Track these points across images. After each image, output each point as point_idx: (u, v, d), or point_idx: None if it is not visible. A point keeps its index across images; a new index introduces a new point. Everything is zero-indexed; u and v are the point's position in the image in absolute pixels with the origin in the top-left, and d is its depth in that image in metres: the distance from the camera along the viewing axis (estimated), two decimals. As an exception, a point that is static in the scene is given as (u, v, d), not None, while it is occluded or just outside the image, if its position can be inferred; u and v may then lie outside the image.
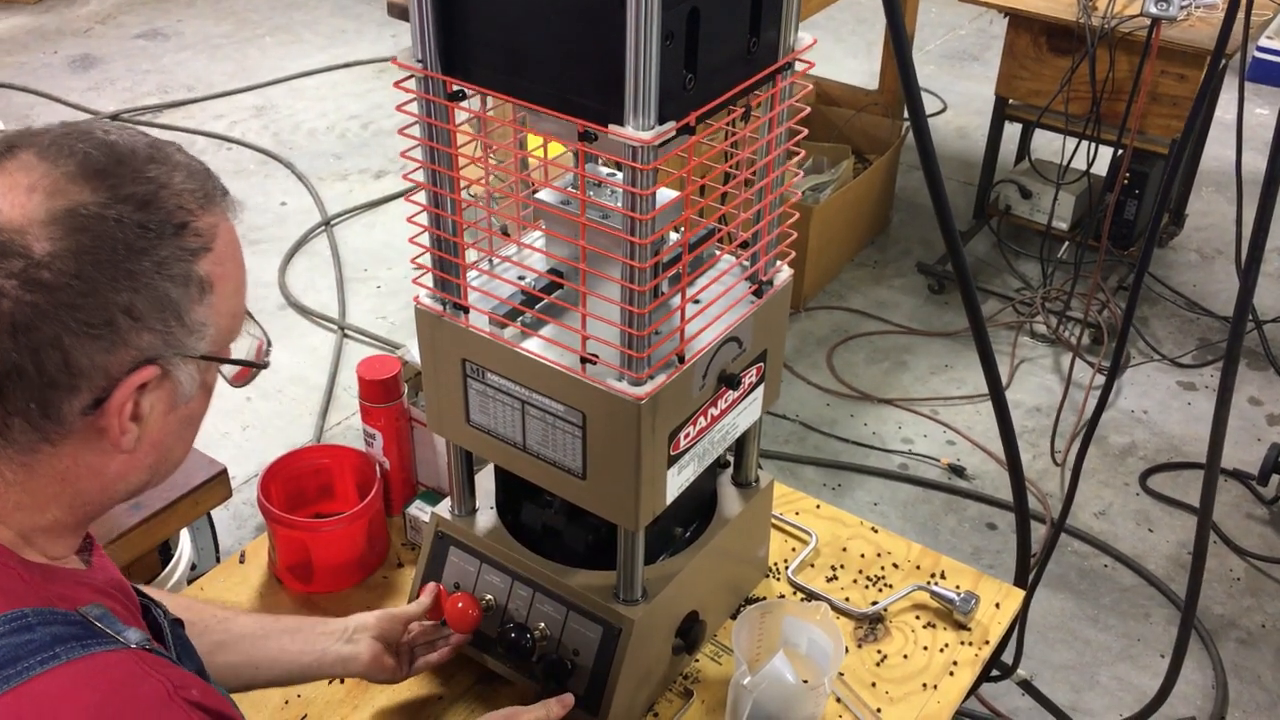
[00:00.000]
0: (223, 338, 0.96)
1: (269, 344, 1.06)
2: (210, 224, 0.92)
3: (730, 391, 1.30)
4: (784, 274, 1.34)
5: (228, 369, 1.00)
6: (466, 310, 1.27)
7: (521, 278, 1.30)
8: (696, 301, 1.24)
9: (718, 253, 1.35)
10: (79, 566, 0.99)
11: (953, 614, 1.54)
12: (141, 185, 0.89)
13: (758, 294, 1.30)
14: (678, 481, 1.28)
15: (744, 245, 1.30)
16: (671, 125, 1.04)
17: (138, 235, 0.87)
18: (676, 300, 1.19)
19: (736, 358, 1.28)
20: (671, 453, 1.24)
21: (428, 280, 1.28)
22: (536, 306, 1.28)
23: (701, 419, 1.27)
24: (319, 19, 5.47)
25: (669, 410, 1.20)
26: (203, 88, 4.81)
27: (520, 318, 1.26)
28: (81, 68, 4.95)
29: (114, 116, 4.53)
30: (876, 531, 1.68)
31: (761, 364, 1.35)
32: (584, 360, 1.19)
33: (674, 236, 1.28)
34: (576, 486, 1.27)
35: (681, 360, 1.20)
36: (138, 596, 1.05)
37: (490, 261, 1.32)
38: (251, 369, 1.03)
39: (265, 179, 4.23)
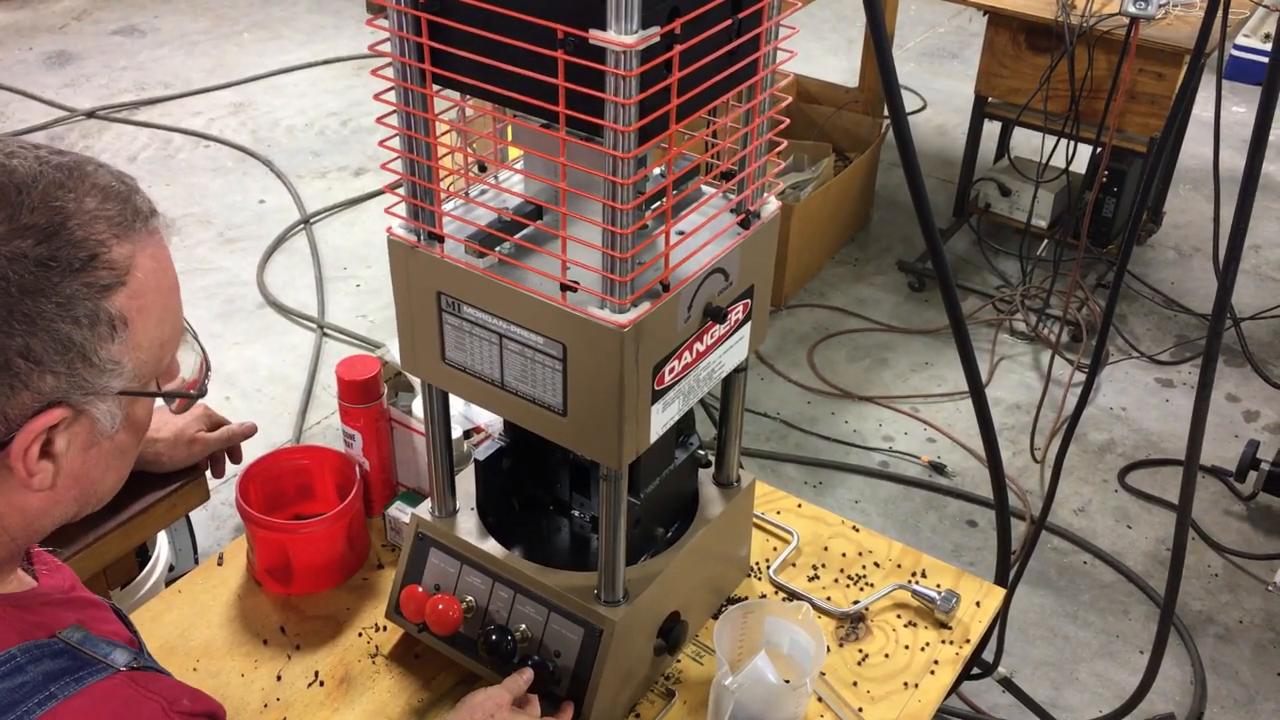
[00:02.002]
0: (147, 370, 0.90)
1: (209, 367, 0.99)
2: (126, 254, 0.86)
3: (717, 325, 1.25)
4: (771, 205, 1.30)
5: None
6: (441, 240, 1.21)
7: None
8: (681, 232, 1.20)
9: (704, 188, 1.31)
10: (30, 582, 0.96)
11: (934, 613, 1.55)
12: (43, 215, 0.82)
13: (744, 225, 1.26)
14: (662, 419, 1.23)
15: (729, 175, 1.26)
16: (655, 30, 0.99)
17: (37, 273, 0.81)
18: (661, 229, 1.15)
19: (723, 291, 1.25)
20: (656, 387, 1.19)
21: (401, 210, 1.22)
22: (516, 236, 1.22)
23: (687, 353, 1.23)
24: (297, 15, 5.45)
25: (653, 341, 1.16)
26: (180, 84, 4.78)
27: (499, 245, 1.21)
28: (57, 64, 4.91)
29: (90, 114, 4.50)
30: (858, 530, 1.68)
31: (748, 300, 1.31)
32: (564, 288, 1.14)
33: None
34: (557, 424, 1.22)
35: (666, 288, 1.15)
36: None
37: (467, 191, 1.27)
38: (189, 397, 0.97)
39: (243, 176, 4.20)
